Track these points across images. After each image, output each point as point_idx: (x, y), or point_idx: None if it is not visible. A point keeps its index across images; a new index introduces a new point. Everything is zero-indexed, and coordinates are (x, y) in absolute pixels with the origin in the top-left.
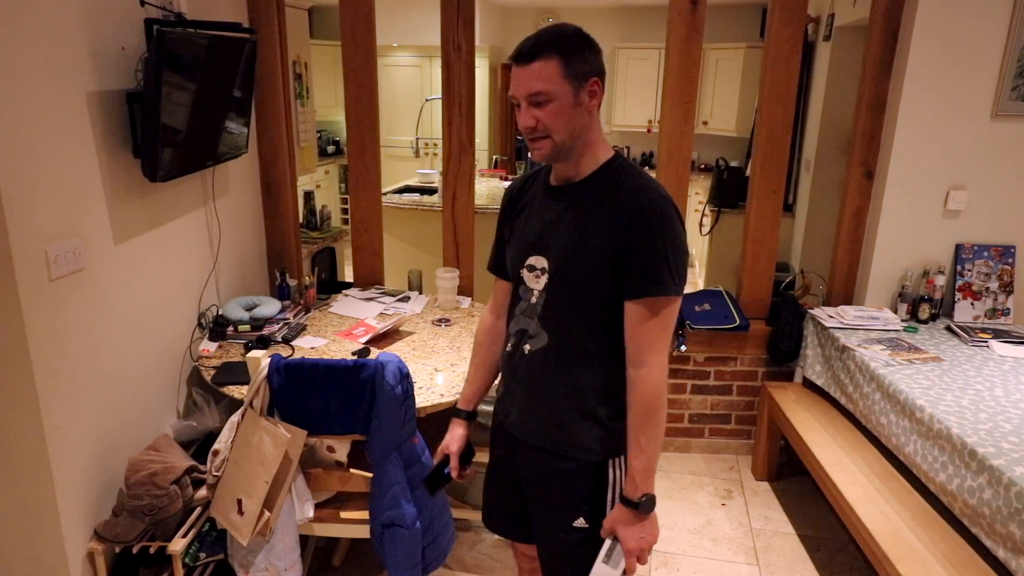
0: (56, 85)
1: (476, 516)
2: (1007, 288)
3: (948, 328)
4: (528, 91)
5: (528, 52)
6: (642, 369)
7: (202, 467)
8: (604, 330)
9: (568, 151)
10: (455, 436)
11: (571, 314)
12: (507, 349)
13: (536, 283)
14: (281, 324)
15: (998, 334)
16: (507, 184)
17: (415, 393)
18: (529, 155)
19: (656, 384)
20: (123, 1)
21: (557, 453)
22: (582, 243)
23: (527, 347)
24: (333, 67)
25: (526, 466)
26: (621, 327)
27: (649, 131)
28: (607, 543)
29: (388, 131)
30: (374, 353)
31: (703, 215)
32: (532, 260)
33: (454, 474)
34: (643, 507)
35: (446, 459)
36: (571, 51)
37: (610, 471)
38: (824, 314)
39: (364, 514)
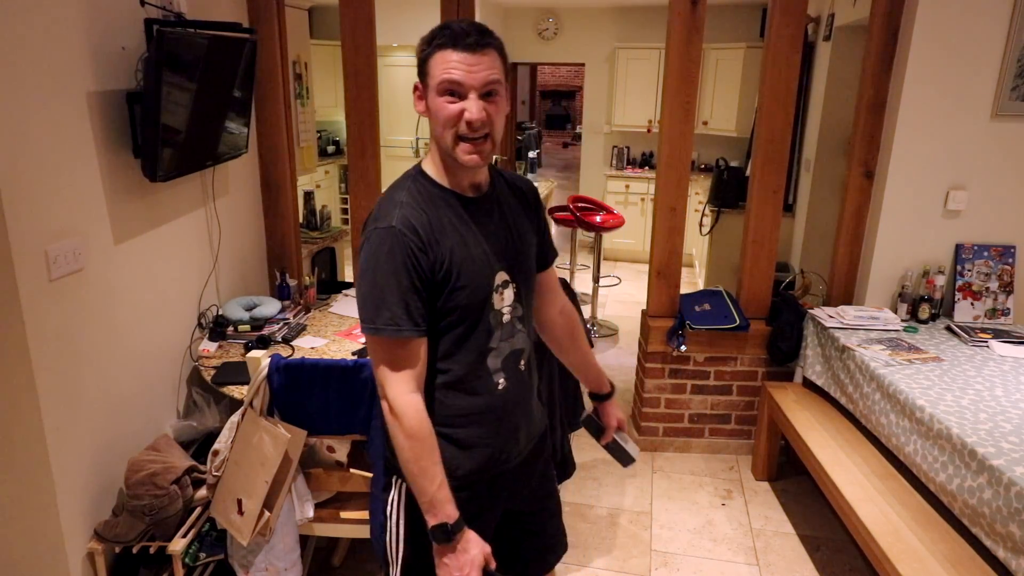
0: (56, 85)
1: None
2: (1007, 288)
3: (948, 328)
4: (485, 80)
5: (480, 39)
6: (563, 298)
7: (202, 467)
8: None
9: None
10: (486, 548)
11: (531, 307)
12: (500, 387)
13: (503, 300)
14: (281, 324)
15: (998, 334)
16: (396, 225)
17: None
18: (456, 155)
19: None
20: (123, 1)
21: (542, 432)
22: (524, 239)
23: (523, 364)
24: (333, 67)
25: (520, 472)
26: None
27: (649, 131)
28: (618, 435)
29: (388, 131)
30: None
31: (703, 215)
32: (499, 279)
33: None
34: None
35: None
36: (502, 46)
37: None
38: (824, 314)
39: (364, 514)
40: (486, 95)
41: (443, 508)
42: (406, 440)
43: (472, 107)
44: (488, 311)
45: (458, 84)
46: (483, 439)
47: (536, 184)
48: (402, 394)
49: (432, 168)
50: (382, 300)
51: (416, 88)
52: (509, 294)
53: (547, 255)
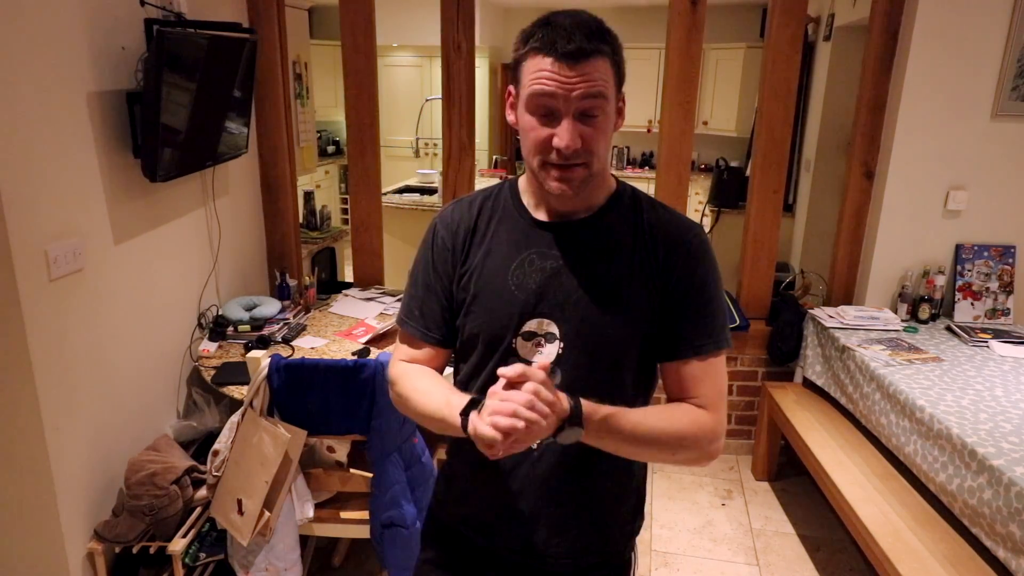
0: (56, 85)
1: None
2: (1007, 288)
3: (948, 328)
4: (582, 96)
5: (585, 46)
6: (717, 423)
7: (202, 467)
8: (634, 400)
9: (592, 180)
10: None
11: (596, 388)
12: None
13: (538, 354)
14: (281, 324)
15: (998, 334)
16: (436, 219)
17: None
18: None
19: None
20: (123, 1)
21: (594, 565)
22: (616, 298)
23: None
24: (333, 67)
25: None
26: (643, 394)
27: (649, 131)
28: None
29: (388, 131)
30: (374, 353)
31: (703, 215)
32: (532, 326)
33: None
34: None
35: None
36: (618, 49)
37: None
38: (824, 314)
39: (364, 514)
40: (583, 115)
41: (460, 400)
42: (398, 389)
43: (563, 133)
44: (509, 356)
45: (550, 97)
46: (491, 498)
47: None
48: (398, 364)
49: (523, 180)
50: (407, 289)
51: (508, 94)
52: (550, 350)
53: (687, 338)
